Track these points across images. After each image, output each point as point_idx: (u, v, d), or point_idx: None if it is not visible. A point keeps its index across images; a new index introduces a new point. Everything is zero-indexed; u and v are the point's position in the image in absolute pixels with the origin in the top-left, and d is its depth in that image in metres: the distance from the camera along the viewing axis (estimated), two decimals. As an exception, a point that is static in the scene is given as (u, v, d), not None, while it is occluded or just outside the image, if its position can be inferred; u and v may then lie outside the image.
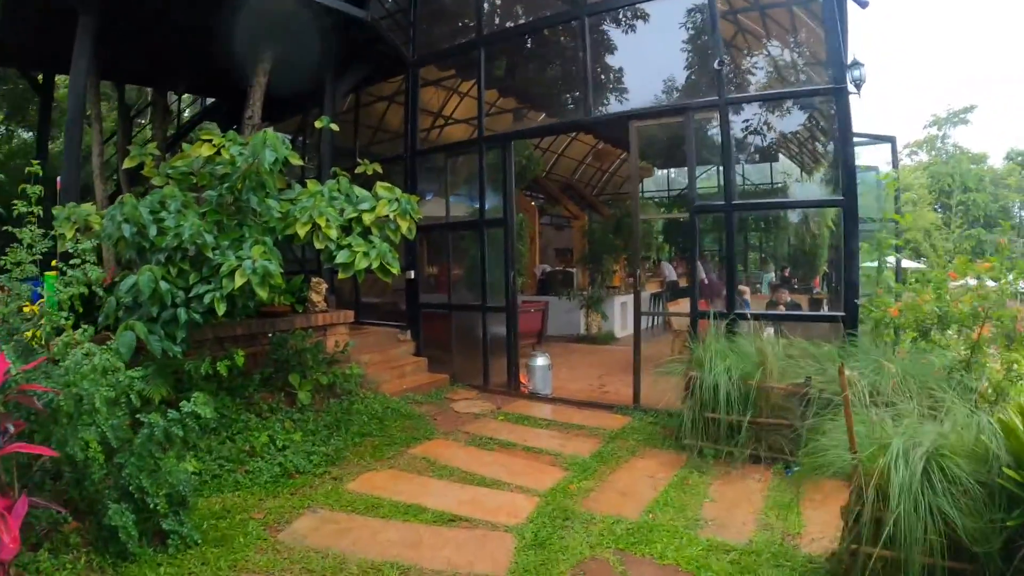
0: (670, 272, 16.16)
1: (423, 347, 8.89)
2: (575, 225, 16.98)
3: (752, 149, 12.24)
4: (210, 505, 4.40)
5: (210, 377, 5.19)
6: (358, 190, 5.56)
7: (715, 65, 6.68)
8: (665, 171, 22.09)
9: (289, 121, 10.98)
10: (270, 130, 5.01)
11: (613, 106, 7.68)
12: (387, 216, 5.42)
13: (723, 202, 6.78)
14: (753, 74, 7.62)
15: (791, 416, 5.55)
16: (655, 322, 14.88)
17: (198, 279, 4.79)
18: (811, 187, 9.60)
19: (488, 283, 8.10)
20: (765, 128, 11.40)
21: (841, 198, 6.28)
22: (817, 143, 8.71)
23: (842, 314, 6.33)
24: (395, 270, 5.35)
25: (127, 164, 5.64)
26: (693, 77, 7.39)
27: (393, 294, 10.48)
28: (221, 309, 4.61)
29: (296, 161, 5.38)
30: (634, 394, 7.22)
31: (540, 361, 7.97)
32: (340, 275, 5.15)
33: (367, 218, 5.33)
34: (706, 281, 17.89)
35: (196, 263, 4.84)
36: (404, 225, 5.49)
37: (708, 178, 23.32)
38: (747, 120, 7.35)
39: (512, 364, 8.00)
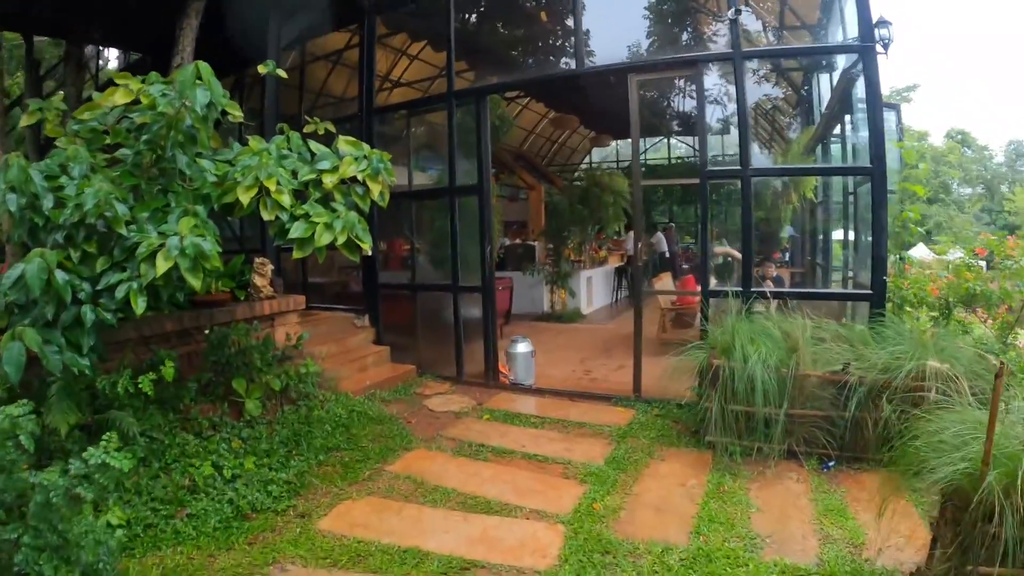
0: (661, 242, 15.49)
1: (384, 334, 7.82)
2: (531, 196, 16.04)
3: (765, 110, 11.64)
4: (145, 570, 3.28)
5: (134, 393, 4.00)
6: (315, 145, 4.41)
7: (729, 15, 5.84)
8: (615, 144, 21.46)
9: (225, 80, 9.52)
10: (203, 63, 3.80)
11: (610, 57, 6.70)
12: (354, 178, 4.31)
13: (739, 167, 5.97)
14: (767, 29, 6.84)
15: (827, 406, 4.94)
16: (618, 296, 14.22)
17: (108, 265, 3.60)
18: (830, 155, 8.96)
19: (460, 259, 7.09)
20: (780, 88, 10.79)
21: (870, 166, 5.64)
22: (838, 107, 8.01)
23: (869, 291, 5.67)
24: (366, 246, 4.25)
25: (24, 122, 4.28)
26: (701, 29, 6.55)
27: (344, 273, 9.30)
28: (140, 306, 3.44)
29: (235, 112, 4.22)
30: (635, 383, 6.40)
31: (522, 347, 7.05)
32: (295, 253, 4.01)
33: (328, 181, 4.19)
34: (667, 254, 17.43)
35: (105, 243, 3.66)
36: (376, 189, 4.36)
37: (667, 148, 23.03)
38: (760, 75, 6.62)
39: (491, 352, 7.05)
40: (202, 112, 3.69)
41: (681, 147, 23.27)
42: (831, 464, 4.85)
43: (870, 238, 5.92)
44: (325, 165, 4.23)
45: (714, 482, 4.61)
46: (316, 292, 8.67)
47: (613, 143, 21.67)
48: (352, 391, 6.35)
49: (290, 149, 4.44)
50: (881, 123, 5.67)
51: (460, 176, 6.97)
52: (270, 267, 6.18)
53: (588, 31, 6.26)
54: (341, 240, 4.03)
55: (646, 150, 23.52)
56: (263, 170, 3.88)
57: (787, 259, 14.79)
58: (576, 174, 22.53)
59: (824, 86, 8.62)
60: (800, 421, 4.95)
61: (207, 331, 5.09)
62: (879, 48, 5.74)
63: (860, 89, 6.88)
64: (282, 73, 4.80)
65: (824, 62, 6.42)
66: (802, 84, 10.40)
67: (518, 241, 13.48)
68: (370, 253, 4.31)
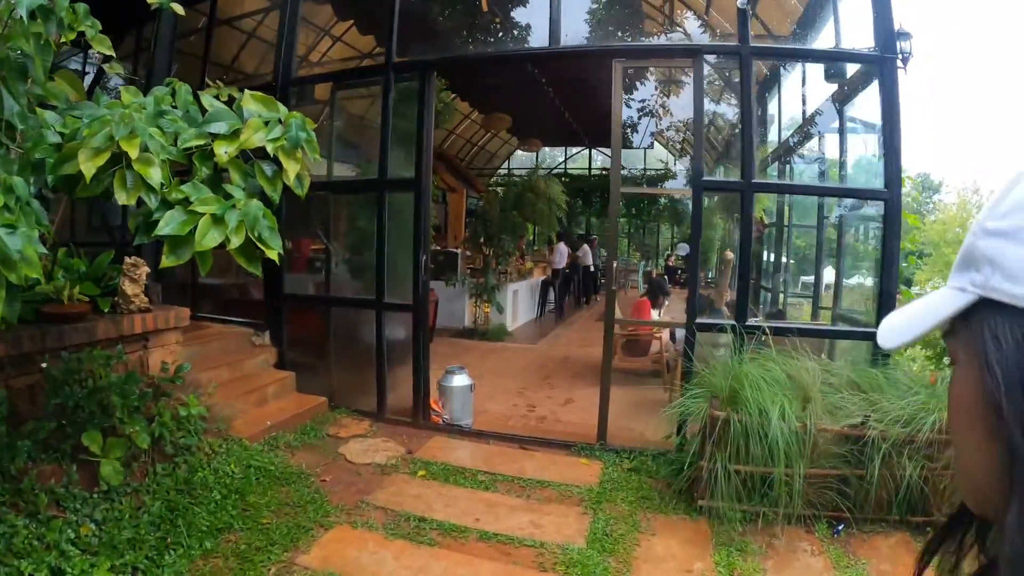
0: (586, 255, 14.63)
1: (288, 356, 6.38)
2: (451, 199, 14.84)
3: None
4: None
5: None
6: (208, 100, 3.06)
7: (740, 3, 4.97)
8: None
9: (121, 40, 7.70)
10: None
11: (590, 37, 5.65)
12: (263, 153, 2.99)
13: (739, 179, 5.08)
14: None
15: (841, 464, 4.20)
16: (543, 311, 13.28)
17: None
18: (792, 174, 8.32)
19: (387, 269, 5.81)
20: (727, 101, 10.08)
21: (884, 190, 4.92)
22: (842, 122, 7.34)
23: (875, 330, 4.92)
24: (273, 252, 2.96)
25: None
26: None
27: (243, 274, 7.74)
28: None
29: (102, 47, 2.83)
30: (599, 429, 5.36)
31: (459, 380, 5.86)
32: (165, 260, 2.64)
33: (223, 151, 2.85)
34: (591, 268, 16.72)
35: None
36: (292, 169, 3.03)
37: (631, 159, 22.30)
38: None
39: (421, 385, 5.81)
40: (29, 21, 2.28)
41: (599, 158, 22.85)
42: (840, 528, 4.16)
43: (860, 268, 5.25)
44: (220, 128, 2.87)
45: (724, 563, 3.68)
46: (209, 297, 7.14)
47: (543, 149, 20.82)
48: (249, 435, 4.96)
49: (175, 106, 3.07)
50: (899, 142, 4.95)
51: (393, 167, 5.70)
52: (145, 269, 4.70)
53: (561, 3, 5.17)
54: (236, 241, 2.71)
55: (567, 159, 22.94)
56: (122, 126, 2.49)
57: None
58: (493, 179, 21.55)
59: (791, 98, 8.00)
60: (812, 482, 4.15)
61: (62, 357, 3.60)
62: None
63: (859, 104, 6.27)
64: (178, 8, 3.35)
65: (832, 70, 5.67)
66: (761, 93, 9.89)
67: (438, 248, 12.24)
68: (278, 261, 3.00)
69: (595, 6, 5.76)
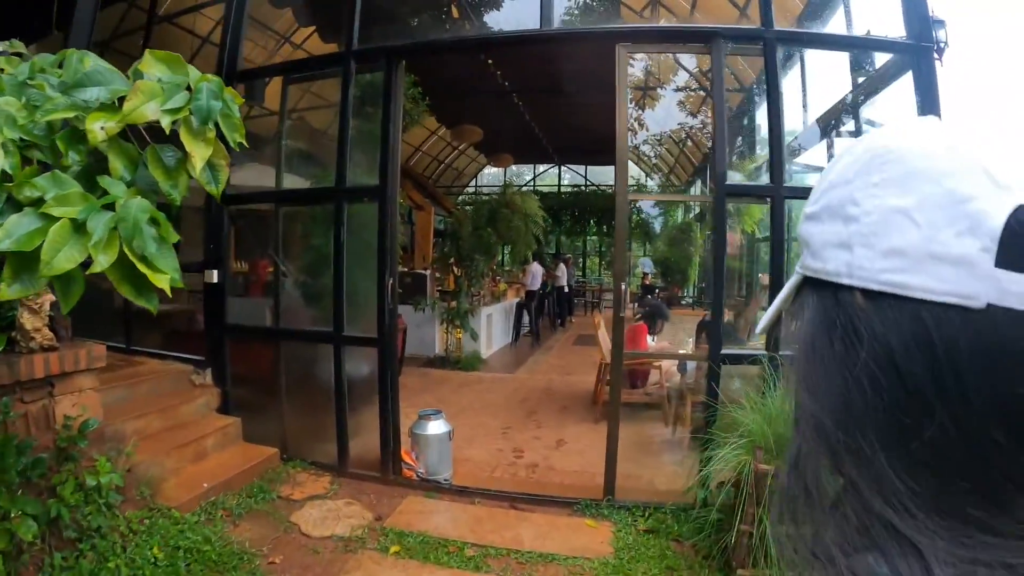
0: (563, 275, 13.84)
1: (233, 398, 5.40)
2: (419, 217, 13.93)
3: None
4: None
5: None
6: (92, 60, 2.12)
7: None
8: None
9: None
10: None
11: (583, 19, 4.86)
12: (161, 133, 2.06)
13: (768, 183, 4.33)
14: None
15: None
16: (518, 333, 12.40)
17: None
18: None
19: (347, 295, 4.89)
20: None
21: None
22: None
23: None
24: (163, 280, 1.97)
25: None
26: None
27: (186, 299, 6.73)
28: None
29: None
30: (607, 483, 4.48)
31: (435, 428, 4.94)
32: (4, 289, 1.74)
33: (98, 126, 1.91)
34: (565, 288, 15.92)
35: None
36: (200, 154, 2.10)
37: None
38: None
39: (390, 433, 4.86)
40: None
41: (567, 175, 22.21)
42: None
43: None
44: (96, 95, 1.94)
45: None
46: (148, 326, 6.10)
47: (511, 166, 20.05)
48: (181, 503, 4.01)
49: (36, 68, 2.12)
50: None
51: (354, 174, 4.79)
52: (49, 298, 3.72)
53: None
54: (104, 261, 1.77)
55: (535, 176, 22.25)
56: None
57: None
58: (461, 197, 20.72)
59: (792, 97, 7.32)
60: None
61: None
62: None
63: (880, 103, 5.58)
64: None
65: (861, 62, 4.97)
66: (749, 91, 9.26)
67: (405, 269, 11.29)
68: (168, 292, 2.04)
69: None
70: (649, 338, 6.66)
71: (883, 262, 0.42)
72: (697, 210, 15.96)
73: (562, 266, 14.68)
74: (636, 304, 17.30)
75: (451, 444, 4.94)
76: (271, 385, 5.40)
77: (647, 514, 4.30)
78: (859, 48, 4.81)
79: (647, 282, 17.76)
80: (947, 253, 0.40)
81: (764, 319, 0.58)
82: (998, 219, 0.39)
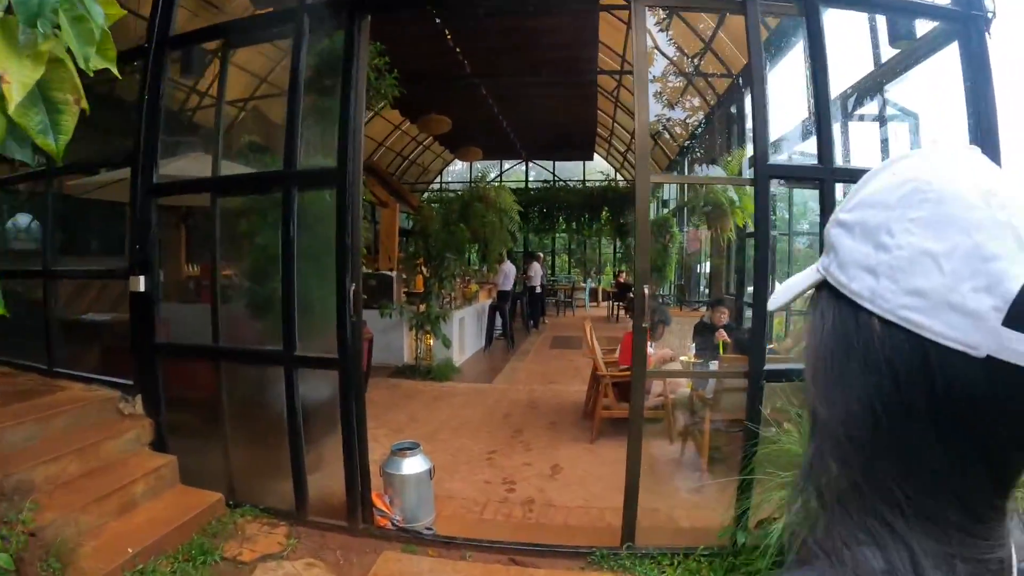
0: (537, 275, 12.94)
1: (169, 432, 4.42)
2: (383, 215, 12.92)
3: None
4: None
5: None
6: None
7: None
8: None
9: None
10: None
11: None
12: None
13: (816, 162, 3.55)
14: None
15: None
16: (491, 338, 11.53)
17: None
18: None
19: (300, 305, 3.95)
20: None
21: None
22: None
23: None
24: None
25: None
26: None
27: (116, 305, 5.73)
28: None
29: None
30: (625, 527, 3.64)
31: (412, 465, 4.02)
32: None
33: None
34: (537, 289, 15.07)
35: None
36: (20, 77, 1.15)
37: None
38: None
39: (357, 474, 3.93)
40: None
41: (534, 171, 21.43)
42: None
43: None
44: None
45: None
46: (70, 343, 5.16)
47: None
48: (102, 571, 3.04)
49: None
50: (995, 123, 3.56)
51: (307, 155, 3.85)
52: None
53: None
54: None
55: (502, 172, 21.40)
56: None
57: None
58: (426, 194, 19.74)
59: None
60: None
61: None
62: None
63: (913, 78, 4.89)
64: None
65: (900, 29, 4.20)
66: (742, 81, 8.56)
67: (369, 271, 10.30)
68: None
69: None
70: (649, 346, 5.85)
71: (905, 299, 0.46)
72: (674, 204, 15.29)
73: (535, 265, 13.83)
74: (613, 304, 16.69)
75: (431, 483, 4.04)
76: (213, 415, 4.40)
77: (675, 562, 3.51)
78: (900, 13, 4.05)
79: (622, 280, 17.06)
80: (963, 305, 0.44)
81: (781, 298, 0.58)
82: (1015, 284, 0.43)
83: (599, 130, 17.54)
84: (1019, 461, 0.47)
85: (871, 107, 5.40)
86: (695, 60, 9.89)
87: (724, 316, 6.75)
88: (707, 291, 13.06)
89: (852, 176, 3.96)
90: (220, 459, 4.35)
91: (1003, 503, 0.48)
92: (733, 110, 10.35)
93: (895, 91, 5.26)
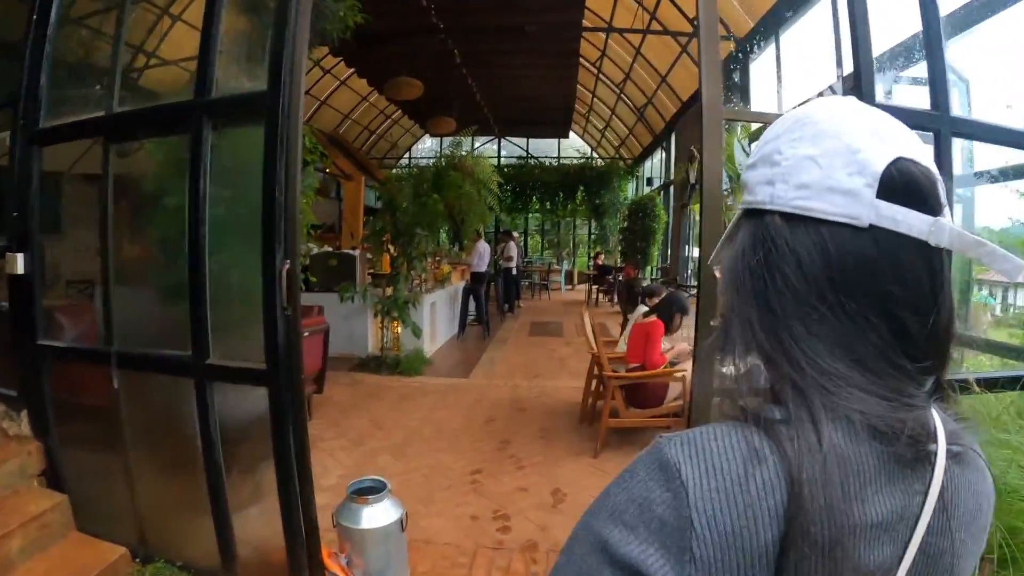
0: (514, 255, 11.68)
1: (62, 459, 3.23)
2: (347, 189, 11.64)
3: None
4: None
5: None
6: None
7: None
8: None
9: None
10: None
11: None
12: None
13: (931, 109, 2.51)
14: None
15: None
16: (464, 323, 10.39)
17: None
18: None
19: (214, 295, 2.77)
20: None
21: None
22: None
23: None
24: None
25: None
26: None
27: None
28: None
29: None
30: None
31: (376, 515, 2.88)
32: None
33: None
34: (513, 271, 13.93)
35: None
36: None
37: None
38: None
39: (299, 524, 2.77)
40: None
41: (506, 148, 20.22)
42: None
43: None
44: None
45: None
46: None
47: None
48: None
49: None
50: None
51: (226, 76, 2.65)
52: None
53: None
54: None
55: (473, 149, 20.12)
56: None
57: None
58: (395, 171, 18.41)
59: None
60: None
61: None
62: None
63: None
64: None
65: None
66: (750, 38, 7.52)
67: (330, 249, 9.05)
68: None
69: None
70: (665, 341, 4.82)
71: (795, 192, 0.56)
72: (659, 182, 14.27)
73: (511, 244, 12.68)
74: (593, 287, 15.67)
75: (404, 536, 2.92)
76: (115, 441, 3.21)
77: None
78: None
79: (600, 262, 16.03)
80: (840, 186, 0.55)
81: (715, 251, 0.66)
82: (879, 165, 0.54)
83: (577, 106, 16.42)
84: (916, 324, 0.54)
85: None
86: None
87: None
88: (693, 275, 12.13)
89: (972, 130, 2.92)
90: (125, 500, 3.17)
91: (907, 364, 0.54)
92: (737, 78, 9.34)
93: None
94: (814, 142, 0.57)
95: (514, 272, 13.06)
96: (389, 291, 7.59)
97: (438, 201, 7.10)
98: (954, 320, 0.56)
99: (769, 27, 7.80)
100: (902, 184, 0.54)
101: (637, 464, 0.55)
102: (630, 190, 17.33)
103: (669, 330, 4.85)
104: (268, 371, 2.70)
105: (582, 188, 17.54)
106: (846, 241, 0.54)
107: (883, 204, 0.53)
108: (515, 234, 15.20)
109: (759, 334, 0.56)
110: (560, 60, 12.13)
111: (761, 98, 9.15)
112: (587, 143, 19.60)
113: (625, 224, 13.45)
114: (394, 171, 18.40)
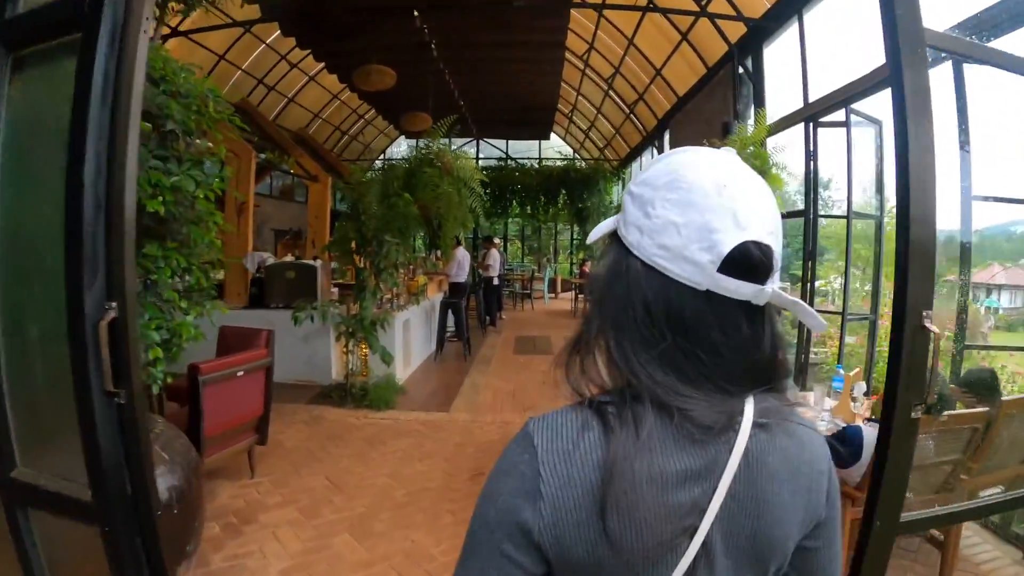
0: (496, 263, 10.42)
1: None
2: (312, 191, 10.28)
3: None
4: None
5: None
6: None
7: None
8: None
9: None
10: None
11: None
12: None
13: None
14: None
15: None
16: (443, 340, 9.08)
17: None
18: None
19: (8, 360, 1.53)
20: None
21: None
22: None
23: None
24: None
25: None
26: None
27: None
28: None
29: None
30: None
31: None
32: None
33: None
34: (494, 280, 12.68)
35: None
36: None
37: None
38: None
39: None
40: None
41: (484, 150, 18.98)
42: None
43: None
44: None
45: None
46: None
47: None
48: None
49: None
50: None
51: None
52: None
53: None
54: None
55: (455, 147, 18.83)
56: None
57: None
58: (369, 174, 17.03)
59: None
60: None
61: None
62: None
63: None
64: None
65: None
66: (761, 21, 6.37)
67: (289, 258, 7.71)
68: None
69: None
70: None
71: (656, 250, 0.69)
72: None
73: (493, 252, 11.42)
74: (579, 295, 14.49)
75: None
76: None
77: None
78: None
79: (586, 269, 14.81)
80: (691, 258, 0.68)
81: (593, 235, 0.78)
82: (726, 248, 0.67)
83: (560, 106, 15.24)
84: (737, 360, 0.70)
85: None
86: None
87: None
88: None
89: None
90: None
91: (729, 387, 0.69)
92: (740, 69, 8.23)
93: None
94: (682, 211, 0.69)
95: (495, 282, 11.81)
96: (354, 308, 6.31)
97: (410, 202, 5.79)
98: (777, 353, 0.72)
99: (790, 5, 6.68)
100: (740, 262, 0.67)
101: (512, 442, 0.74)
102: (615, 193, 16.18)
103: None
104: (97, 503, 1.42)
105: (564, 191, 16.35)
106: (687, 298, 0.69)
107: (721, 277, 0.67)
108: (496, 240, 13.96)
109: (611, 344, 0.71)
110: (545, 53, 10.94)
111: (779, 88, 7.99)
112: (569, 145, 18.44)
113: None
114: (369, 174, 17.12)
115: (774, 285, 0.68)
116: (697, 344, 0.68)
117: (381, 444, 5.09)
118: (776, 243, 0.69)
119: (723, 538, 0.68)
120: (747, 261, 0.67)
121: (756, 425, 0.68)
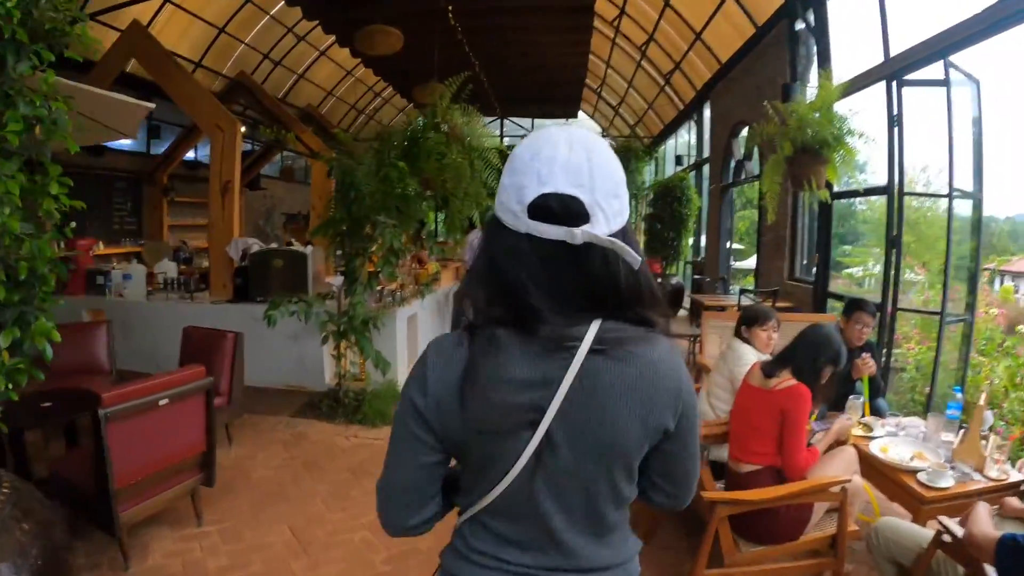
0: None
1: None
2: (315, 169, 9.21)
3: None
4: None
5: None
6: None
7: None
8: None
9: None
10: None
11: None
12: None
13: None
14: None
15: None
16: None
17: None
18: None
19: None
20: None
21: None
22: None
23: None
24: None
25: None
26: None
27: None
28: None
29: None
30: None
31: None
32: None
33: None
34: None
35: None
36: None
37: None
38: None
39: None
40: None
41: (508, 130, 17.74)
42: None
43: None
44: None
45: None
46: None
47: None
48: None
49: None
50: None
51: None
52: None
53: None
54: None
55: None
56: None
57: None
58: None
59: None
60: None
61: None
62: None
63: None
64: None
65: None
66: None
67: (275, 247, 6.61)
68: None
69: None
70: (816, 424, 2.46)
71: (498, 207, 0.88)
72: (692, 160, 11.77)
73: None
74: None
75: None
76: None
77: None
78: None
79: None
80: (511, 209, 0.85)
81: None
82: (529, 199, 0.83)
83: (588, 81, 13.90)
84: (568, 288, 0.85)
85: None
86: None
87: (866, 330, 3.47)
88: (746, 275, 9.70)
89: None
90: None
91: (557, 307, 0.84)
92: (799, 25, 6.88)
93: None
94: (509, 175, 0.87)
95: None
96: (345, 303, 5.21)
97: (405, 172, 4.58)
98: (614, 283, 0.85)
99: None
100: (542, 210, 0.82)
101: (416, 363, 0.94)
102: (647, 173, 14.80)
103: (816, 399, 2.46)
104: None
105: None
106: (515, 239, 0.85)
107: (531, 222, 0.83)
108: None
109: (476, 288, 0.90)
110: (572, 19, 9.63)
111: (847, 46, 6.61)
112: (597, 123, 17.09)
113: (650, 210, 10.92)
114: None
115: (590, 228, 0.82)
116: (531, 278, 0.84)
117: (367, 476, 4.00)
118: (587, 196, 0.83)
119: (565, 433, 0.85)
120: (547, 209, 0.83)
121: (592, 351, 0.83)
